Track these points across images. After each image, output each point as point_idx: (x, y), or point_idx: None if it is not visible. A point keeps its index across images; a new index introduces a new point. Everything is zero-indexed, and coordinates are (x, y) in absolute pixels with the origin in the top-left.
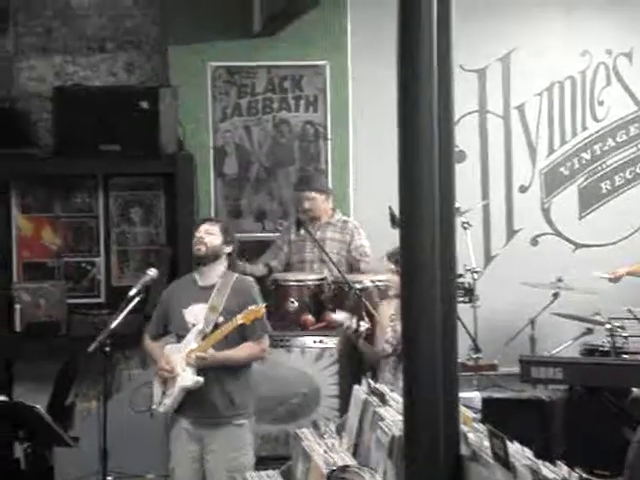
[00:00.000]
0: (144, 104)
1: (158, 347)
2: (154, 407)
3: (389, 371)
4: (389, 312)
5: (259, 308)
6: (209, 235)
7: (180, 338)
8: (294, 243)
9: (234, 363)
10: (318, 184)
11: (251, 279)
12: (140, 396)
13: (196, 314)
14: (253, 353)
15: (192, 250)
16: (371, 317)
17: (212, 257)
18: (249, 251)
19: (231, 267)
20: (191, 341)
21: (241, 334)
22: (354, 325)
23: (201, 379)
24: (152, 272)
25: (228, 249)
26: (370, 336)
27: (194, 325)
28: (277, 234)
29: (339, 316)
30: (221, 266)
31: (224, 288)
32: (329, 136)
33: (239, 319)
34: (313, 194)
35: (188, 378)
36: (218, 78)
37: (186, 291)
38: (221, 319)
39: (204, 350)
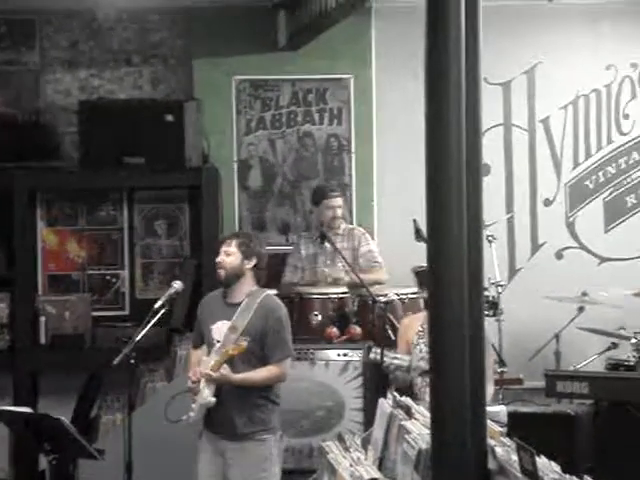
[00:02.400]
0: (169, 117)
1: (195, 356)
2: (184, 417)
3: (428, 386)
4: (416, 327)
5: (243, 343)
6: (227, 256)
7: (209, 351)
8: (306, 259)
9: (252, 385)
10: (339, 190)
11: (279, 301)
12: (174, 407)
13: (221, 331)
14: (272, 376)
15: None
16: (395, 330)
17: (234, 278)
18: (273, 263)
19: (258, 281)
20: (212, 358)
21: (263, 355)
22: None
23: (213, 400)
24: (177, 285)
25: (250, 264)
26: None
27: (218, 342)
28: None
29: None
30: (247, 283)
31: (248, 308)
32: (353, 149)
33: (229, 350)
34: (341, 200)
35: (204, 396)
36: (242, 91)
37: (215, 307)
38: (243, 340)
39: (216, 369)
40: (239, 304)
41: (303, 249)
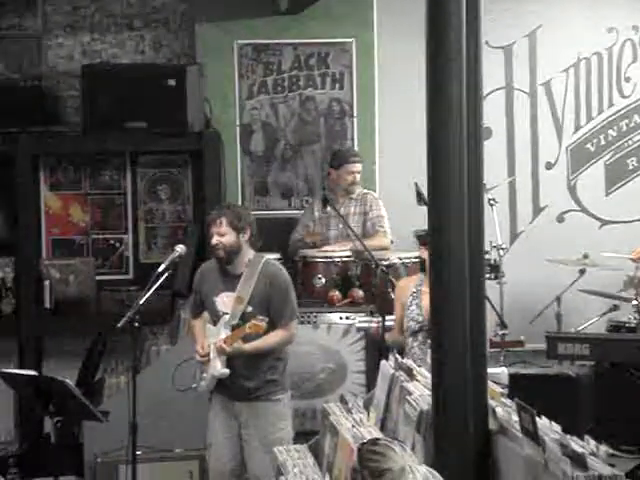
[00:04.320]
0: (171, 82)
1: (199, 326)
2: (194, 385)
3: (418, 347)
4: (410, 289)
5: (263, 324)
6: (221, 237)
7: (215, 322)
8: (319, 220)
9: (263, 352)
10: (360, 155)
11: (278, 265)
12: (181, 374)
13: (225, 303)
14: (282, 340)
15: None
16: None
17: (234, 254)
18: (276, 229)
19: (254, 247)
20: (221, 330)
21: (270, 320)
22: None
23: (227, 371)
24: (180, 249)
25: (245, 236)
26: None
27: (225, 313)
28: (302, 211)
29: None
30: (246, 253)
31: (250, 277)
32: (355, 113)
33: (246, 328)
34: (360, 165)
35: (217, 368)
36: (245, 56)
37: (215, 278)
38: (250, 309)
39: (230, 344)
40: (240, 275)
41: (317, 210)
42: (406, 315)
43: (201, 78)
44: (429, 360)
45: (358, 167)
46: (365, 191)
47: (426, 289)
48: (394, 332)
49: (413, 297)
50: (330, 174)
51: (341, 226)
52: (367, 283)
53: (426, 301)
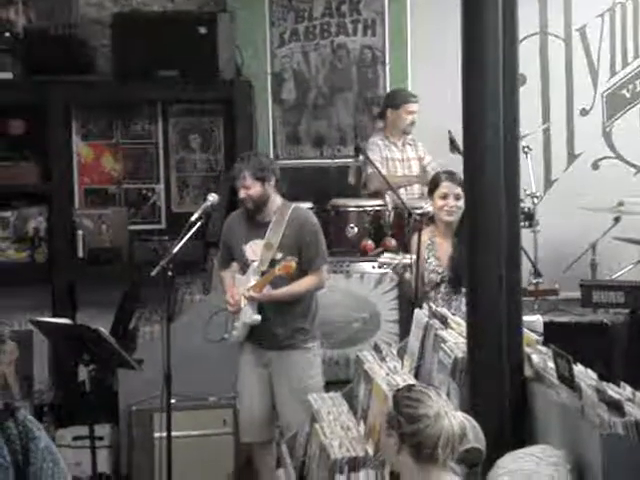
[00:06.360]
0: (202, 30)
1: (229, 277)
2: (226, 336)
3: (441, 298)
4: (425, 242)
5: (292, 263)
6: (247, 190)
7: (244, 271)
8: (384, 160)
9: (293, 298)
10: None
11: (307, 210)
12: (213, 325)
13: (255, 250)
14: (312, 285)
15: None
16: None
17: (263, 203)
18: (307, 177)
19: (281, 193)
20: (250, 278)
21: (300, 266)
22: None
23: (259, 317)
24: (212, 198)
25: (271, 184)
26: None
27: (254, 261)
28: (335, 160)
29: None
30: (274, 201)
31: (279, 224)
32: (387, 61)
33: (276, 271)
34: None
35: (248, 315)
36: (276, 2)
37: (243, 227)
38: (279, 255)
39: (259, 290)
40: (268, 222)
41: (383, 151)
42: (425, 269)
43: (232, 26)
44: (453, 311)
45: (416, 107)
46: (411, 136)
47: (440, 240)
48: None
49: (429, 249)
50: (386, 115)
51: (406, 170)
52: (400, 232)
53: (442, 251)
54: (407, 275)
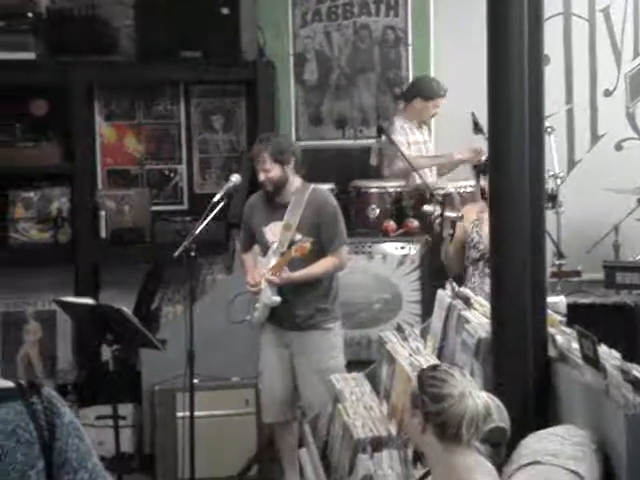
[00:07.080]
0: (224, 10)
1: (250, 259)
2: (247, 318)
3: (478, 275)
4: (472, 217)
5: (307, 244)
6: (267, 172)
7: (265, 253)
8: (413, 143)
9: (313, 279)
10: None
11: (326, 191)
12: (236, 306)
13: (274, 232)
14: (332, 266)
15: None
16: (452, 224)
17: (282, 185)
18: (329, 159)
19: (299, 174)
20: (270, 259)
21: (319, 247)
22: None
23: (278, 299)
24: (235, 178)
25: (290, 166)
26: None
27: (273, 242)
28: (357, 141)
29: None
30: (293, 183)
31: (298, 205)
32: (410, 41)
33: (292, 252)
34: None
35: (267, 296)
36: None
37: (263, 209)
38: (298, 236)
39: (277, 272)
40: (288, 203)
41: (410, 135)
42: (467, 243)
43: (255, 6)
44: (487, 289)
45: (445, 101)
46: None
47: (487, 217)
48: (449, 251)
49: (474, 225)
50: (413, 104)
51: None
52: (422, 212)
53: (486, 230)
54: (446, 233)
